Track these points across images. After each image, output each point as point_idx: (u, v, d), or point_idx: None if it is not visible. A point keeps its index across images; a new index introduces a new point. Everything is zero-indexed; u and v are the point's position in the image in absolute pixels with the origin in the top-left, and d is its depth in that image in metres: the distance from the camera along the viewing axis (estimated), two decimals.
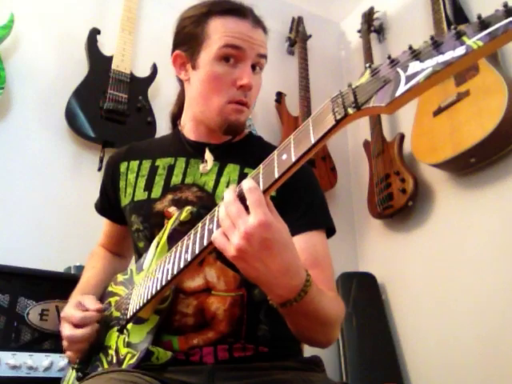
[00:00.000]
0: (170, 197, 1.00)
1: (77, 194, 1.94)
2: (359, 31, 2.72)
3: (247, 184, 0.67)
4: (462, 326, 1.92)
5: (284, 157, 0.65)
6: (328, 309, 0.80)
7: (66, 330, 0.93)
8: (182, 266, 0.78)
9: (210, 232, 0.72)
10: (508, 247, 1.81)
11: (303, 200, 0.98)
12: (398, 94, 0.53)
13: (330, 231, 1.01)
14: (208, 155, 1.03)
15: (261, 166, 0.70)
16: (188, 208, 0.89)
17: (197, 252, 0.75)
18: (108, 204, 1.15)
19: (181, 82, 1.11)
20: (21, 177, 1.90)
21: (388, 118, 2.51)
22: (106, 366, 0.90)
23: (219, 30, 0.98)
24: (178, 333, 0.90)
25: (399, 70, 0.56)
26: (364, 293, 2.24)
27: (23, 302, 1.42)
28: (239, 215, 0.66)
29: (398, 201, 2.16)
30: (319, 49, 2.85)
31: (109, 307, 1.01)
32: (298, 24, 2.75)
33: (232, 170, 1.01)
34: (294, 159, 0.63)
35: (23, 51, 2.03)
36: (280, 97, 2.55)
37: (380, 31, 2.69)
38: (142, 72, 2.18)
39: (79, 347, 0.94)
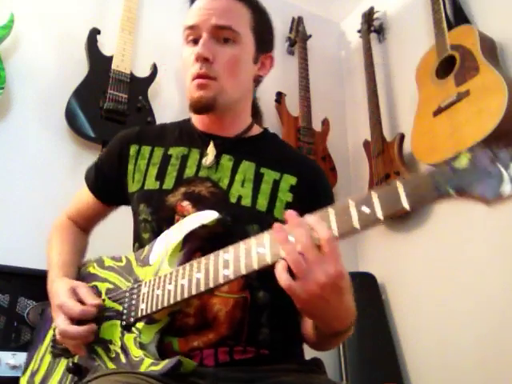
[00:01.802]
0: (182, 190, 0.97)
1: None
2: (359, 31, 2.72)
3: (325, 232, 0.68)
4: (461, 326, 1.92)
5: (366, 210, 0.67)
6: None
7: (62, 323, 0.87)
8: (221, 281, 0.77)
9: (261, 256, 0.73)
10: (508, 247, 1.81)
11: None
12: (504, 193, 0.60)
13: None
14: (210, 149, 1.01)
15: (330, 210, 0.71)
16: (216, 214, 0.87)
17: (243, 272, 0.75)
18: (102, 182, 1.11)
19: None
20: (21, 177, 1.90)
21: (388, 118, 2.51)
22: (108, 362, 0.85)
23: (186, 15, 1.01)
24: (178, 334, 0.89)
25: (501, 167, 0.61)
26: (364, 293, 2.24)
27: (23, 302, 1.43)
28: (319, 263, 0.68)
29: None
30: (319, 49, 2.85)
31: (97, 292, 0.95)
32: (297, 24, 2.75)
33: (247, 167, 0.99)
34: (381, 217, 0.66)
35: (23, 51, 2.03)
36: (280, 97, 2.54)
37: (380, 31, 2.69)
38: (142, 72, 2.18)
39: (71, 344, 0.89)
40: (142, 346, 0.83)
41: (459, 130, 1.87)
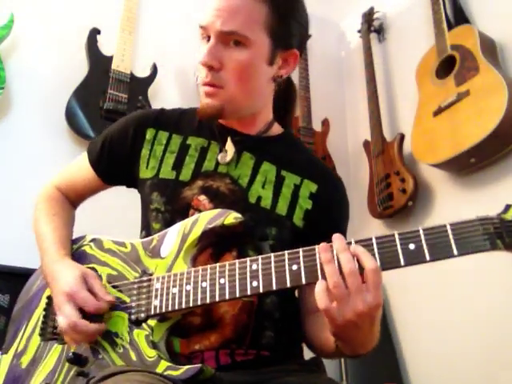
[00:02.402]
0: (200, 183, 0.95)
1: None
2: (359, 31, 2.72)
3: (372, 263, 0.69)
4: (461, 326, 1.91)
5: (412, 247, 0.68)
6: None
7: (74, 315, 0.82)
8: (248, 293, 0.75)
9: (294, 274, 0.73)
10: None
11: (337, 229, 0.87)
12: None
13: None
14: (229, 145, 0.97)
15: (373, 239, 0.73)
16: (238, 216, 0.83)
17: (274, 288, 0.74)
18: (107, 159, 1.05)
19: None
20: (21, 177, 1.89)
21: (388, 118, 2.51)
22: (114, 357, 0.82)
23: None
24: (181, 334, 0.87)
25: None
26: None
27: None
28: (360, 292, 0.68)
29: (398, 201, 2.16)
30: (319, 49, 2.84)
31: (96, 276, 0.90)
32: None
33: (269, 169, 0.97)
34: (428, 259, 0.68)
35: (23, 51, 2.03)
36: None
37: (380, 31, 2.69)
38: (142, 72, 2.18)
39: (75, 337, 0.83)
40: (154, 346, 0.80)
41: (459, 130, 1.87)
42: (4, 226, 1.80)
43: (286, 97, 1.07)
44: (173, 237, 0.87)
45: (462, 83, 1.92)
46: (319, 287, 0.69)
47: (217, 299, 0.77)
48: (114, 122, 1.97)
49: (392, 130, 2.46)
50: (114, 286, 0.88)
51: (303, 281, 0.72)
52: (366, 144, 2.47)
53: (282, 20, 0.93)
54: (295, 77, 2.61)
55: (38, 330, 0.93)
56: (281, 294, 0.89)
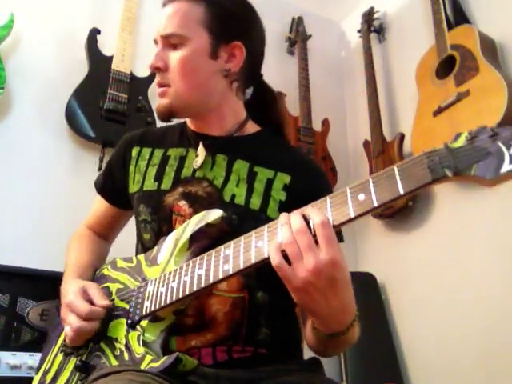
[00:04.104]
0: (180, 190, 0.98)
1: (77, 193, 1.94)
2: (359, 31, 2.72)
3: (319, 217, 0.67)
4: (462, 326, 1.92)
5: (361, 197, 0.66)
6: (358, 333, 0.82)
7: (75, 322, 0.88)
8: (220, 276, 0.76)
9: (259, 249, 0.73)
10: (508, 247, 1.81)
11: None
12: (503, 171, 0.56)
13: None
14: (200, 150, 1.01)
15: (327, 198, 0.70)
16: (220, 213, 0.87)
17: (241, 267, 0.74)
18: (111, 184, 1.12)
19: None
20: (21, 177, 1.90)
21: (388, 118, 2.51)
22: (112, 359, 0.86)
23: None
24: (176, 333, 0.89)
25: (501, 145, 0.58)
26: (364, 293, 2.24)
27: (23, 302, 1.43)
28: (310, 248, 0.67)
29: (398, 201, 2.16)
30: (319, 49, 2.85)
31: (108, 293, 0.97)
32: (298, 24, 2.75)
33: (241, 166, 0.99)
34: (375, 204, 0.64)
35: (23, 51, 2.03)
36: (280, 97, 2.55)
37: (380, 31, 2.69)
38: (142, 72, 2.18)
39: (84, 339, 0.90)
40: (144, 344, 0.82)
41: (459, 130, 1.86)
42: (4, 225, 1.80)
43: (259, 97, 1.10)
44: (168, 244, 0.92)
45: (462, 83, 1.92)
46: (272, 246, 0.69)
47: (194, 289, 0.79)
48: (114, 122, 2.02)
49: (392, 129, 2.47)
50: (122, 299, 0.93)
51: (265, 254, 0.72)
52: (366, 144, 2.48)
53: (219, 15, 0.99)
54: (295, 76, 2.62)
55: (61, 348, 0.99)
56: (270, 288, 0.91)
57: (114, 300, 0.93)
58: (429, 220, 2.18)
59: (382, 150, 2.33)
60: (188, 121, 1.09)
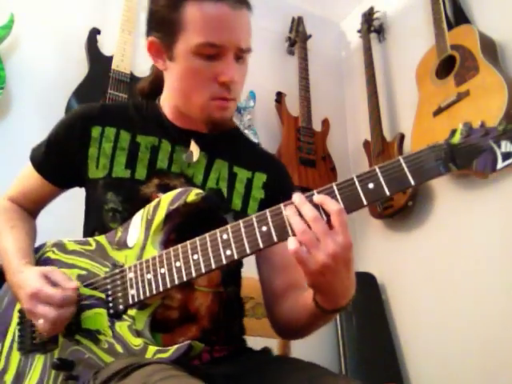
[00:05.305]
0: (156, 181, 0.95)
1: (76, 193, 1.94)
2: (359, 31, 2.72)
3: (334, 206, 0.70)
4: (461, 326, 1.92)
5: (371, 186, 0.70)
6: None
7: (50, 312, 0.80)
8: (224, 261, 0.76)
9: (265, 234, 0.74)
10: (508, 247, 1.81)
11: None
12: (498, 167, 0.66)
13: None
14: (194, 146, 0.99)
15: (334, 186, 0.73)
16: (199, 192, 0.84)
17: (248, 252, 0.74)
18: (56, 162, 1.03)
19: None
20: None
21: (388, 118, 2.51)
22: (100, 353, 0.81)
23: (197, 22, 0.88)
24: (161, 330, 0.87)
25: (492, 143, 0.68)
26: (364, 293, 2.24)
27: None
28: (327, 233, 0.70)
29: (398, 201, 2.16)
30: (319, 49, 2.85)
31: None
32: (298, 24, 2.75)
33: (221, 166, 1.01)
34: (388, 193, 0.69)
35: (23, 51, 2.03)
36: (280, 97, 2.55)
37: (380, 31, 2.69)
38: (142, 72, 2.18)
39: (62, 328, 0.83)
40: (139, 334, 0.80)
41: None
42: None
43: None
44: (137, 225, 0.87)
45: (462, 83, 1.92)
46: (289, 239, 0.71)
47: (193, 275, 0.77)
48: None
49: (392, 129, 2.47)
50: (86, 286, 0.87)
51: (275, 239, 0.73)
52: (366, 144, 2.48)
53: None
54: (295, 76, 2.61)
55: (15, 346, 0.92)
56: (236, 283, 1.00)
57: (78, 288, 0.85)
58: (429, 220, 2.18)
59: (382, 150, 2.33)
60: (170, 111, 1.02)
